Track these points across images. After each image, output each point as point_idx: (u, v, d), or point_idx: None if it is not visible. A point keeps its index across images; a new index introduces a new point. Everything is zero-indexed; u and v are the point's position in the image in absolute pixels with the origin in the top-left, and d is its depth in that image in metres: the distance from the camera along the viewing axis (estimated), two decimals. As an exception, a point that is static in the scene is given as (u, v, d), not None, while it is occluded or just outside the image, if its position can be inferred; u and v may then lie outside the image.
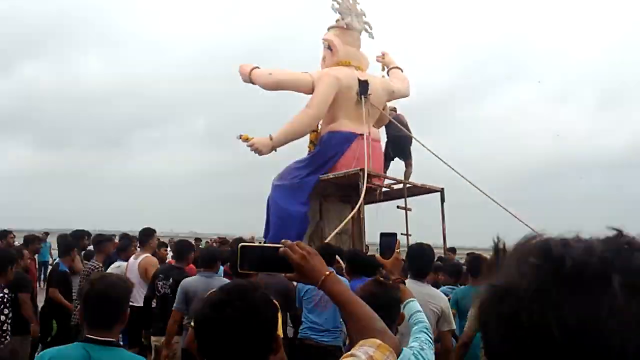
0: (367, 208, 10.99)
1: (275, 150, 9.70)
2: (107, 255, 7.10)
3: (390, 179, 10.53)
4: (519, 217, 9.83)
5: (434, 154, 10.85)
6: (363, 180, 9.13)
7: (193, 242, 9.03)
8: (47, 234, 17.75)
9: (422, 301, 3.28)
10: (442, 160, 10.67)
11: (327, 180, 9.93)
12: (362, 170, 9.20)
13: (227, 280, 5.33)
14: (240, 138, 9.57)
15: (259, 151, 9.51)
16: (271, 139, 9.52)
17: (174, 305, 5.27)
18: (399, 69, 11.76)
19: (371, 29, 10.96)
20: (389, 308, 2.63)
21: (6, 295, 4.90)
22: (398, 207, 10.40)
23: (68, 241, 7.24)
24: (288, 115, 10.08)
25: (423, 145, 11.13)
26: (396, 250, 2.98)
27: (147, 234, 6.97)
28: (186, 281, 5.33)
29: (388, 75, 11.72)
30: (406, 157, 11.38)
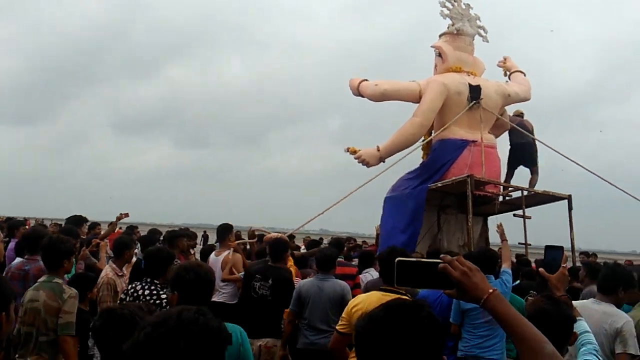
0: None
1: (384, 161, 9.66)
2: (182, 250, 7.00)
3: (506, 186, 9.94)
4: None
5: (563, 155, 10.14)
6: (471, 187, 8.78)
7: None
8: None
9: (596, 320, 3.12)
10: (572, 161, 9.93)
11: (441, 190, 9.66)
12: (470, 176, 8.84)
13: (342, 283, 5.34)
14: (348, 151, 9.68)
15: (366, 163, 9.53)
16: (378, 149, 9.51)
17: (290, 306, 5.35)
18: (521, 72, 11.18)
19: (486, 32, 10.59)
20: (562, 326, 2.51)
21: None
22: (515, 215, 9.79)
23: (150, 237, 7.50)
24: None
25: (551, 148, 10.41)
26: (562, 265, 2.85)
27: (226, 230, 6.96)
28: (301, 284, 5.44)
29: (509, 79, 11.19)
30: (532, 164, 10.73)
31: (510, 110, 10.99)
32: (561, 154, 9.94)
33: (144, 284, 4.28)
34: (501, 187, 9.84)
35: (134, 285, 4.36)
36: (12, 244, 6.46)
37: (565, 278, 2.83)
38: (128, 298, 4.25)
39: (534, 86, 11.06)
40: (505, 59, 11.50)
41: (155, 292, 4.22)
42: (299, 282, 5.51)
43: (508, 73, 11.29)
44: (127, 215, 8.73)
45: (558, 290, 2.76)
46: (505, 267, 5.47)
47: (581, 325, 2.70)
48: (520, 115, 10.98)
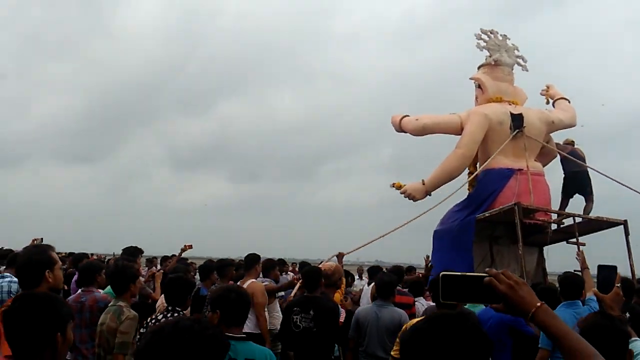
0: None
1: (430, 195, 9.69)
2: (230, 279, 7.11)
3: (556, 212, 9.73)
4: None
5: (616, 180, 9.89)
6: (519, 214, 8.67)
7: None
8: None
9: None
10: (626, 185, 9.67)
11: (491, 221, 9.55)
12: (518, 204, 8.73)
13: (400, 311, 5.32)
14: (394, 186, 9.77)
15: (412, 197, 9.60)
16: (423, 183, 9.56)
17: (349, 333, 5.38)
18: (566, 99, 11.07)
19: (525, 61, 10.61)
20: (617, 343, 2.43)
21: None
22: (568, 242, 9.54)
23: (207, 265, 7.68)
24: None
25: (605, 175, 10.18)
26: (616, 285, 2.83)
27: (253, 259, 6.94)
28: (359, 310, 5.46)
29: (553, 107, 11.09)
30: (587, 192, 10.49)
31: (559, 137, 10.87)
32: (614, 180, 9.69)
33: (166, 313, 4.30)
34: (552, 214, 9.63)
35: (155, 316, 4.42)
36: (76, 277, 6.79)
37: (619, 298, 2.77)
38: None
39: (589, 112, 10.95)
40: (548, 87, 11.44)
41: None
42: (357, 309, 5.49)
43: (551, 101, 11.20)
44: (190, 247, 9.05)
45: (613, 310, 2.70)
46: (590, 295, 5.19)
47: (638, 346, 2.63)
48: (570, 143, 10.80)
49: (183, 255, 9.19)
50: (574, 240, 9.37)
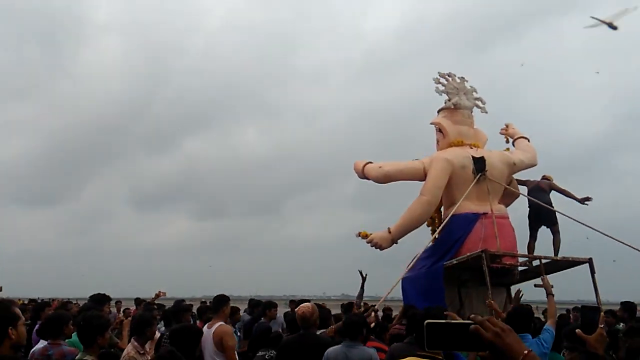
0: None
1: (397, 243, 9.57)
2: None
3: (523, 256, 9.70)
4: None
5: (578, 221, 9.91)
6: (486, 261, 8.60)
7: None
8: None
9: None
10: (587, 225, 9.69)
11: (455, 267, 9.44)
12: (485, 251, 8.66)
13: (370, 350, 5.19)
14: (359, 235, 9.63)
15: (379, 246, 9.46)
16: (390, 232, 9.43)
17: None
18: (525, 138, 11.16)
19: (483, 103, 10.65)
20: None
21: None
22: (535, 285, 9.48)
23: (167, 311, 7.44)
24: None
25: (565, 215, 10.21)
26: (600, 326, 2.79)
27: (221, 301, 6.74)
28: (329, 351, 5.22)
29: (513, 146, 11.17)
30: (552, 223, 10.50)
31: (525, 175, 10.94)
32: (576, 220, 9.72)
33: None
34: (518, 258, 9.60)
35: None
36: (37, 326, 6.55)
37: (603, 339, 2.74)
38: None
39: (551, 141, 11.17)
40: (507, 126, 11.53)
41: None
42: (327, 350, 5.22)
43: (511, 140, 11.27)
44: (164, 293, 8.76)
45: (597, 350, 2.69)
46: (549, 324, 5.21)
47: None
48: (549, 179, 10.90)
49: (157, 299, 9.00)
50: (540, 282, 9.32)
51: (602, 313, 2.95)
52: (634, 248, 9.25)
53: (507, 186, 10.01)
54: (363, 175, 10.40)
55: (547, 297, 5.92)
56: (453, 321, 1.64)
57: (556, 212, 10.47)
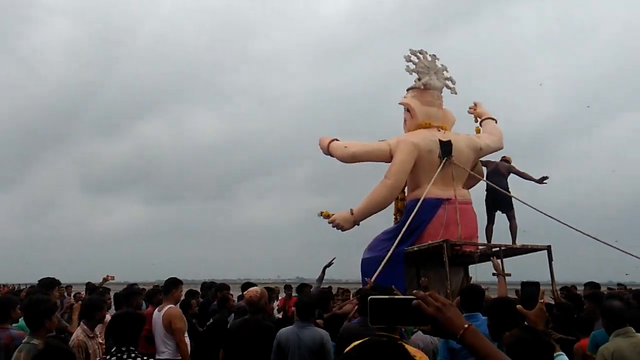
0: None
1: (358, 224, 9.48)
2: (136, 308, 6.97)
3: (483, 245, 9.75)
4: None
5: (533, 207, 9.95)
6: (447, 251, 8.62)
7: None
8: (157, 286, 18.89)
9: None
10: (542, 212, 9.76)
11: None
12: (446, 241, 8.66)
13: (321, 331, 5.18)
14: (322, 215, 9.50)
15: (340, 227, 9.38)
16: (352, 213, 9.33)
17: (271, 356, 5.16)
18: (493, 119, 11.04)
19: (454, 83, 10.43)
20: (541, 357, 2.45)
21: None
22: (493, 274, 9.58)
23: (118, 294, 7.37)
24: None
25: (520, 201, 10.22)
26: (540, 301, 2.83)
27: (171, 283, 6.63)
28: (281, 332, 5.22)
29: (481, 126, 11.05)
30: (508, 209, 10.49)
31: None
32: (533, 207, 9.77)
33: (119, 355, 3.92)
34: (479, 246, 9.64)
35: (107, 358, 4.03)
36: None
37: (543, 313, 2.79)
38: None
39: (506, 124, 11.00)
40: (475, 105, 11.37)
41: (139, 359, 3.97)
42: (279, 331, 5.24)
43: (479, 119, 11.15)
44: (112, 277, 8.59)
45: (537, 325, 2.72)
46: None
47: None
48: (508, 160, 10.83)
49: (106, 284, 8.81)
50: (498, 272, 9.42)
51: (542, 288, 2.94)
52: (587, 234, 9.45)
53: (472, 172, 9.94)
54: (328, 152, 10.17)
55: (497, 277, 5.90)
56: (396, 297, 1.65)
57: (512, 198, 10.51)
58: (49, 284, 7.53)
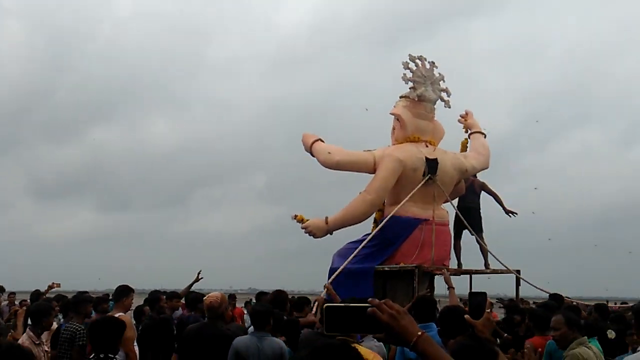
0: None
1: (331, 234, 9.27)
2: (85, 316, 6.88)
3: (455, 271, 9.66)
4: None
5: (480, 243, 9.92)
6: (418, 277, 8.53)
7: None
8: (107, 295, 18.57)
9: None
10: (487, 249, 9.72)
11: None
12: (419, 267, 8.56)
13: (279, 341, 5.13)
14: (295, 219, 9.25)
15: (313, 234, 9.16)
16: (327, 222, 9.10)
17: None
18: (482, 134, 10.73)
19: (449, 95, 10.03)
20: None
21: None
22: (461, 299, 9.56)
23: (66, 302, 7.17)
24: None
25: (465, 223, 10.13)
26: (487, 310, 2.85)
27: (122, 291, 6.53)
28: (238, 340, 5.13)
29: (469, 138, 10.77)
30: (476, 230, 10.31)
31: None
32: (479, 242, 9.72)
33: None
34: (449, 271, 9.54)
35: None
36: None
37: (490, 323, 2.82)
38: None
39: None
40: (467, 114, 11.02)
41: None
42: (235, 339, 5.13)
43: (469, 131, 10.84)
44: (58, 285, 8.35)
45: (483, 334, 2.77)
46: None
47: None
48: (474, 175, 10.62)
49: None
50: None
51: (489, 298, 2.92)
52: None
53: (449, 198, 9.76)
54: (310, 151, 9.82)
55: (448, 290, 6.29)
56: (351, 304, 1.66)
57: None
58: None
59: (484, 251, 10.33)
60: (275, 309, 6.21)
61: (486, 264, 10.23)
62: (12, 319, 7.09)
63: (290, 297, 8.20)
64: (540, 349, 5.28)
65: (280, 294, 7.33)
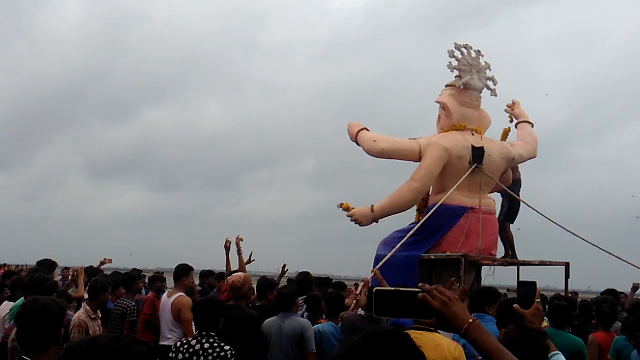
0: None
1: (377, 222, 9.28)
2: (136, 292, 7.24)
3: (501, 261, 9.57)
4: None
5: (549, 219, 9.69)
6: (464, 266, 8.48)
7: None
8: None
9: None
10: (554, 222, 9.53)
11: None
12: (465, 256, 8.51)
13: (302, 320, 5.35)
14: (341, 207, 9.30)
15: (359, 222, 9.18)
16: (372, 210, 9.12)
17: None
18: (529, 123, 10.57)
19: (495, 84, 9.92)
20: (536, 356, 2.54)
21: None
22: (508, 290, 9.48)
23: (113, 279, 7.37)
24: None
25: (534, 210, 9.93)
26: (536, 300, 2.87)
27: (181, 270, 6.57)
28: (265, 323, 5.39)
29: (516, 127, 10.63)
30: (512, 221, 10.26)
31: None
32: (553, 222, 9.56)
33: (199, 338, 4.25)
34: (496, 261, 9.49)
35: (187, 340, 4.36)
36: None
37: (539, 313, 2.82)
38: (181, 355, 4.23)
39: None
40: (513, 104, 10.87)
41: (216, 344, 4.21)
42: (264, 322, 5.39)
43: (515, 120, 10.70)
44: (110, 260, 8.62)
45: (533, 324, 2.77)
46: None
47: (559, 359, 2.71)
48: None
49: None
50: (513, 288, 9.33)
51: (538, 288, 2.91)
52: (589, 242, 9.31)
53: (500, 183, 9.62)
54: (355, 140, 9.86)
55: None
56: (401, 289, 1.66)
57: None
58: (50, 265, 7.64)
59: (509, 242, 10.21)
60: (300, 290, 6.45)
61: (514, 253, 10.09)
62: (72, 284, 7.43)
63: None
64: (601, 344, 5.46)
65: (305, 276, 7.44)
